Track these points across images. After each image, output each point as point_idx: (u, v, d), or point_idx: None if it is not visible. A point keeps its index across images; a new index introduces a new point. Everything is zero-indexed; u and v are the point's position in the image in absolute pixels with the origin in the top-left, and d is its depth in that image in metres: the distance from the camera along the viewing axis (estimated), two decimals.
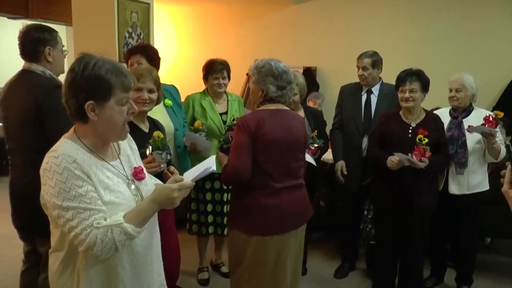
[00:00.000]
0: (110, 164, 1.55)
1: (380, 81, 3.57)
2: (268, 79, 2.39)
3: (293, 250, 2.46)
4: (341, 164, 3.63)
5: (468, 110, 3.23)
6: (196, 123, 2.97)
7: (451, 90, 3.24)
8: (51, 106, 2.21)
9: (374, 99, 3.52)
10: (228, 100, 3.47)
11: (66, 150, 1.44)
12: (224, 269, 3.71)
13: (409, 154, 2.86)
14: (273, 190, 2.35)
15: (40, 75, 2.36)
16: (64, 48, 2.51)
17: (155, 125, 2.55)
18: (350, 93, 3.65)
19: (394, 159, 2.92)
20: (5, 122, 2.44)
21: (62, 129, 2.21)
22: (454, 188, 3.19)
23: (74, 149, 1.46)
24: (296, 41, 6.04)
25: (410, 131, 3.01)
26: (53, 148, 1.48)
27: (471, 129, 3.02)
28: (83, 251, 1.42)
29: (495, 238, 4.24)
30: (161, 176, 2.21)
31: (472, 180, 3.17)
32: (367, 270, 3.82)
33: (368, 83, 3.52)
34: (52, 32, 2.42)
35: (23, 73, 2.39)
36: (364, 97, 3.55)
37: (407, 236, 3.12)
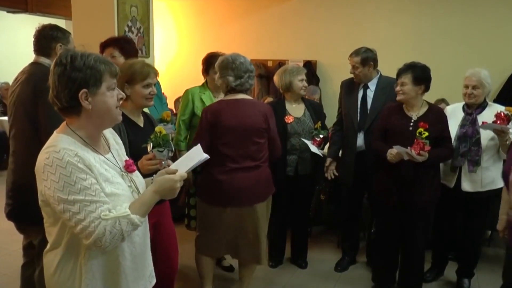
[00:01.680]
0: (105, 157, 1.59)
1: (378, 75, 3.55)
2: (227, 71, 2.77)
3: (250, 224, 2.84)
4: (328, 160, 3.71)
5: (482, 106, 3.15)
6: (164, 114, 2.99)
7: (467, 87, 3.13)
8: (45, 91, 2.26)
9: (370, 94, 3.51)
10: None
11: (65, 144, 1.46)
12: (226, 263, 3.73)
13: (408, 147, 2.85)
14: (228, 168, 2.73)
15: (45, 66, 2.49)
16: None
17: (148, 119, 2.56)
18: (347, 89, 3.65)
19: (392, 152, 2.92)
20: (11, 111, 2.55)
21: (49, 115, 2.24)
22: (467, 186, 3.15)
23: (71, 143, 1.48)
24: (296, 34, 6.03)
25: (411, 124, 3.01)
26: (50, 143, 1.48)
27: (482, 126, 2.97)
28: (90, 244, 1.43)
29: (496, 231, 4.24)
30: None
31: (486, 177, 3.13)
32: (368, 264, 3.83)
33: (360, 80, 3.52)
34: (65, 32, 2.61)
35: (31, 65, 2.55)
36: (360, 93, 3.54)
37: (408, 230, 3.12)
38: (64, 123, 1.55)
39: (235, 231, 2.87)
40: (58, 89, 1.48)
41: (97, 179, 1.47)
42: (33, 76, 2.43)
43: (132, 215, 1.47)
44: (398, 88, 3.01)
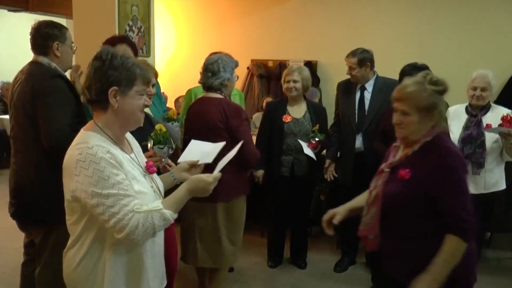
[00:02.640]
0: (130, 156, 1.64)
1: (375, 76, 3.53)
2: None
3: (200, 222, 2.87)
4: (327, 162, 3.71)
5: (486, 108, 3.15)
6: (170, 112, 3.00)
7: (475, 89, 3.12)
8: (46, 92, 2.32)
9: (367, 95, 3.50)
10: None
11: (97, 141, 1.51)
12: None
13: None
14: None
15: (44, 65, 2.46)
16: (73, 44, 2.60)
17: (148, 119, 2.57)
18: (344, 90, 3.63)
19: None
20: (11, 111, 2.53)
21: (51, 115, 2.27)
22: (471, 188, 3.10)
23: (101, 140, 1.53)
24: (297, 34, 6.03)
25: None
26: (81, 140, 1.53)
27: (489, 129, 2.97)
28: (123, 237, 1.47)
29: (495, 232, 4.24)
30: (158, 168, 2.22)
31: (489, 179, 3.12)
32: (367, 264, 3.83)
33: (357, 81, 3.50)
34: (62, 28, 2.53)
35: (30, 64, 2.50)
36: (358, 95, 3.52)
37: None
38: (91, 121, 1.61)
39: (193, 229, 2.90)
40: (91, 81, 1.54)
41: (126, 176, 1.52)
42: (31, 76, 2.39)
43: (164, 210, 1.52)
44: None
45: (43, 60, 2.47)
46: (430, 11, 5.36)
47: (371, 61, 3.46)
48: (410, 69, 2.99)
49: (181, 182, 1.82)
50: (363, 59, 3.41)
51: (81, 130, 1.59)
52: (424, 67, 2.99)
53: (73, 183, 1.48)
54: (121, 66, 1.53)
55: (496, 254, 4.10)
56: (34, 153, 2.36)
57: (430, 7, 5.36)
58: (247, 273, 3.70)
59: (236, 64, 2.94)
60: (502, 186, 3.19)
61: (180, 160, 2.02)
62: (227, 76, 2.82)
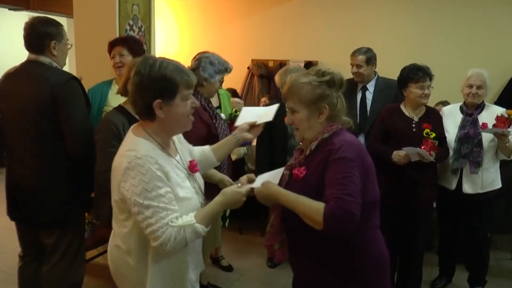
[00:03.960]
0: (176, 160, 1.66)
1: (376, 76, 3.53)
2: None
3: None
4: None
5: (481, 107, 3.15)
6: None
7: (471, 86, 3.11)
8: (66, 96, 2.28)
9: (369, 96, 3.50)
10: (219, 95, 3.46)
11: (147, 150, 1.53)
12: (224, 263, 3.72)
13: (417, 148, 2.86)
14: None
15: (49, 66, 2.38)
16: (68, 41, 2.52)
17: None
18: (346, 90, 3.62)
19: (401, 154, 2.90)
20: (8, 113, 2.41)
21: (74, 118, 2.27)
22: (468, 187, 3.12)
23: (151, 149, 1.55)
24: (297, 34, 6.02)
25: (413, 125, 3.01)
26: (131, 147, 1.55)
27: (483, 130, 2.98)
28: (156, 246, 1.53)
29: (495, 234, 4.23)
30: None
31: (486, 178, 3.11)
32: None
33: (362, 79, 3.50)
34: (58, 26, 2.45)
35: (31, 64, 2.38)
36: (359, 95, 3.52)
37: (410, 231, 3.11)
38: (139, 125, 1.63)
39: None
40: (135, 98, 1.57)
41: (172, 186, 1.55)
42: (43, 79, 2.28)
43: (196, 224, 1.55)
44: (428, 92, 2.97)
45: (45, 60, 2.37)
46: (431, 11, 5.36)
47: (376, 60, 3.47)
48: (411, 70, 2.99)
49: (243, 144, 1.98)
50: (370, 57, 3.44)
51: (130, 133, 1.62)
52: (424, 68, 2.99)
53: (120, 187, 1.54)
54: (160, 77, 1.52)
55: (495, 255, 4.09)
56: (52, 156, 2.32)
57: (430, 8, 5.36)
58: (246, 273, 3.70)
59: (226, 69, 2.91)
60: (498, 185, 3.19)
61: (237, 124, 2.05)
62: (204, 76, 2.84)
